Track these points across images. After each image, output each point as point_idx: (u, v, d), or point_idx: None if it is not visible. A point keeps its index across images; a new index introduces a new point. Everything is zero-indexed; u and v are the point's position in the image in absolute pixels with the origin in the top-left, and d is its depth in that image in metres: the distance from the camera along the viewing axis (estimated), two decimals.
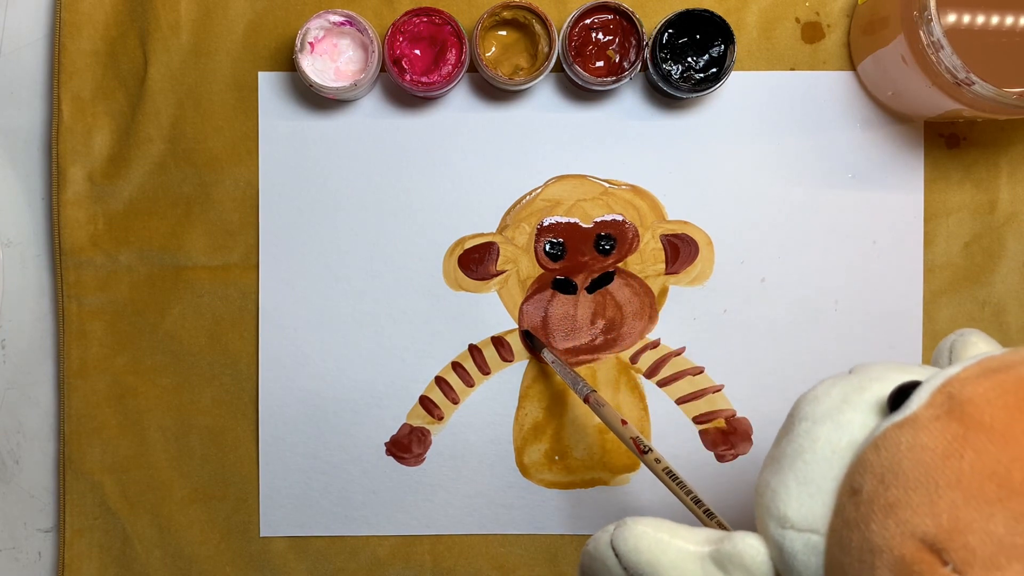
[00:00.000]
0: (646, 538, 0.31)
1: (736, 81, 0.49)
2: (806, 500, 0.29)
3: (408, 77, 0.47)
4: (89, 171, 0.50)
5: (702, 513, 0.36)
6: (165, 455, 0.51)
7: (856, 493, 0.28)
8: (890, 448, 0.27)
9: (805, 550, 0.29)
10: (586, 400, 0.45)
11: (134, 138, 0.50)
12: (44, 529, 0.52)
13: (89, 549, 0.51)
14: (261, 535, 0.51)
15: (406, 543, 0.51)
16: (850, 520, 0.27)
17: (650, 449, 0.40)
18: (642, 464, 0.50)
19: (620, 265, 0.50)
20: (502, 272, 0.50)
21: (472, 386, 0.51)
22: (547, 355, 0.49)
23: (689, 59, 0.48)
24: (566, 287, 0.50)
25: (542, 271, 0.50)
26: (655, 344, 0.50)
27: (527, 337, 0.50)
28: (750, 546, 0.30)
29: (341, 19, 0.47)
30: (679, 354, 0.50)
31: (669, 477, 0.38)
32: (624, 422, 0.42)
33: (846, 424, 0.30)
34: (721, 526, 0.35)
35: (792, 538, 0.29)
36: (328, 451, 0.51)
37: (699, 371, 0.50)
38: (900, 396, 0.29)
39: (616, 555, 0.31)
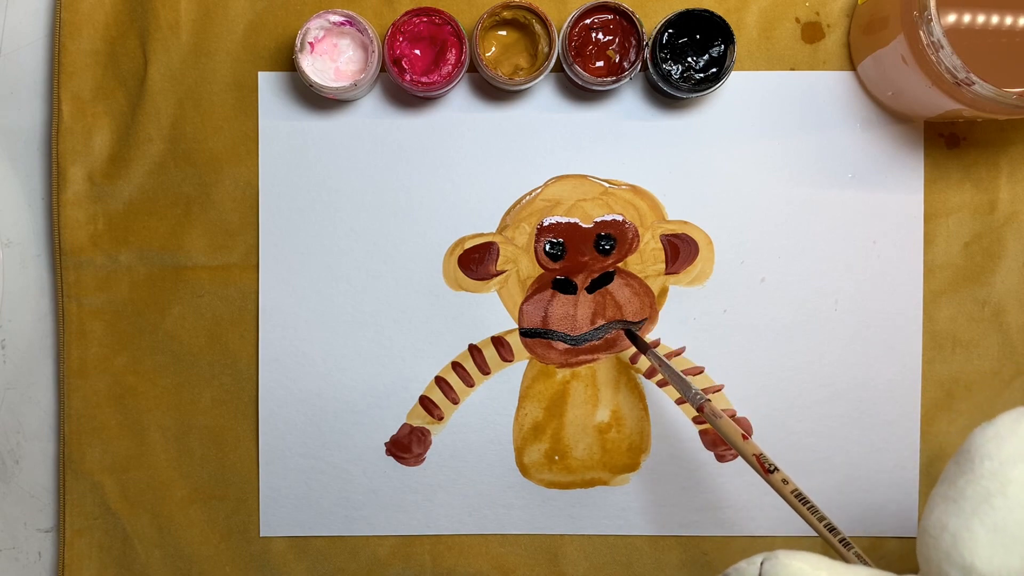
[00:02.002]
0: (802, 575, 0.29)
1: (736, 81, 0.49)
2: (999, 550, 0.27)
3: (408, 77, 0.47)
4: (89, 171, 0.50)
5: (838, 543, 0.33)
6: (165, 455, 0.51)
7: None
8: None
9: None
10: (699, 410, 0.42)
11: (134, 138, 0.50)
12: (44, 529, 0.52)
13: (89, 549, 0.51)
14: (261, 535, 0.51)
15: (406, 543, 0.51)
16: None
17: (776, 468, 0.37)
18: (642, 464, 0.50)
19: (620, 265, 0.50)
20: (502, 272, 0.50)
21: (472, 386, 0.51)
22: (652, 358, 0.46)
23: (689, 59, 0.48)
24: (566, 287, 0.50)
25: (542, 271, 0.50)
26: (655, 344, 0.50)
27: (631, 337, 0.48)
28: None
29: (341, 19, 0.47)
30: (679, 354, 0.50)
31: (800, 501, 0.35)
32: (746, 437, 0.39)
33: None
34: (860, 559, 0.32)
35: None
36: (328, 451, 0.51)
37: (699, 371, 0.50)
38: None
39: None
